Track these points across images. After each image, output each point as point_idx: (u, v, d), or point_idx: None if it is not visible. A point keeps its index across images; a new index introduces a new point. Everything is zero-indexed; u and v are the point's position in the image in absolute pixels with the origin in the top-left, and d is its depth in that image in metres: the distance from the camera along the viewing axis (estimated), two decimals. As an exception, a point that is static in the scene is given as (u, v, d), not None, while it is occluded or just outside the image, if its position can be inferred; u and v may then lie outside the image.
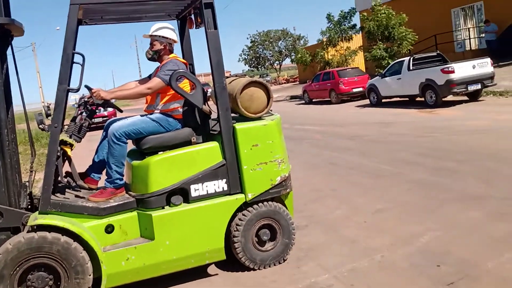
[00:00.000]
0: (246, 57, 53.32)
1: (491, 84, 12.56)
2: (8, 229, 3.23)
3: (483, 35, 20.37)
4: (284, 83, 46.45)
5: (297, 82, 39.78)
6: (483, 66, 12.49)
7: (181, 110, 3.76)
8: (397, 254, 3.71)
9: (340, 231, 4.37)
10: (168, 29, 3.88)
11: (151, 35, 3.85)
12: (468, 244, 3.74)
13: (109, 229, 3.36)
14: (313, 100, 21.21)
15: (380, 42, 20.16)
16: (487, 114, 10.18)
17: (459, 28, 22.58)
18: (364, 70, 22.65)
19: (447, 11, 22.49)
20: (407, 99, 14.81)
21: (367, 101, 16.72)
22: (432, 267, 3.41)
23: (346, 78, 18.60)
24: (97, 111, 3.86)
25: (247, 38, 53.27)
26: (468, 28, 22.29)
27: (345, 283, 3.32)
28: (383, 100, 15.68)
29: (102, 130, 3.78)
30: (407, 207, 4.83)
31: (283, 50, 52.46)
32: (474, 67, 12.38)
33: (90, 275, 3.13)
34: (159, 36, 3.83)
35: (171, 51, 3.93)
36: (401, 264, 3.53)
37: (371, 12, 20.84)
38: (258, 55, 52.93)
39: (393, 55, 19.79)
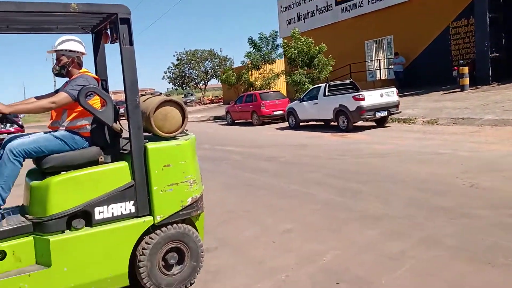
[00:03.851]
0: (171, 75, 52.82)
1: (396, 112, 13.54)
2: None
3: (392, 66, 22.02)
4: (209, 103, 46.57)
5: (222, 103, 40.04)
6: (390, 95, 13.43)
7: (89, 127, 3.59)
8: (301, 273, 3.81)
9: (249, 252, 4.40)
10: (74, 42, 3.71)
11: (56, 50, 3.67)
12: (365, 262, 3.94)
13: (0, 255, 3.08)
14: (236, 121, 21.42)
15: (303, 69, 20.98)
16: (391, 139, 10.92)
17: (371, 59, 24.21)
18: (286, 94, 23.40)
19: (361, 43, 24.10)
20: (323, 123, 15.45)
21: (286, 124, 17.21)
22: (332, 285, 3.56)
23: (268, 101, 19.03)
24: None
25: (174, 56, 52.72)
26: (379, 59, 23.99)
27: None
28: (301, 124, 16.23)
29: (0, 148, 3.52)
30: (313, 226, 4.99)
31: (209, 71, 52.74)
32: (382, 95, 13.27)
33: (-26, 307, 2.86)
34: (65, 50, 3.66)
35: (80, 65, 3.76)
36: (304, 283, 3.63)
37: (291, 39, 21.68)
38: (183, 74, 52.66)
39: (312, 80, 20.68)
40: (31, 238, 3.21)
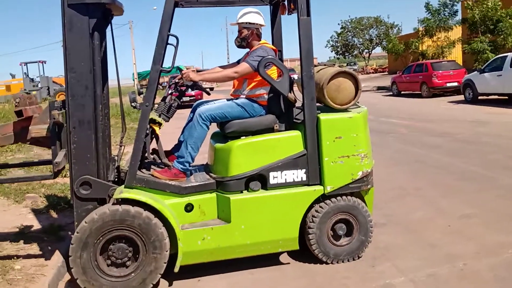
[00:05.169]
0: (334, 44, 52.17)
1: None
2: (95, 199, 3.39)
3: None
4: (372, 72, 44.98)
5: (386, 73, 38.39)
6: None
7: (266, 96, 3.76)
8: (482, 264, 3.48)
9: (421, 233, 4.17)
10: (254, 14, 3.85)
11: (238, 23, 3.86)
12: None
13: (189, 208, 3.46)
14: (402, 93, 20.38)
15: (485, 36, 18.71)
16: None
17: None
18: (461, 64, 21.26)
19: None
20: (507, 97, 13.73)
21: (461, 97, 15.76)
22: (520, 283, 3.16)
23: (440, 71, 17.59)
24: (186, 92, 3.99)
25: (338, 24, 51.75)
26: None
27: (422, 289, 3.18)
28: (480, 97, 14.68)
29: (190, 111, 3.89)
30: (497, 214, 4.50)
31: (374, 38, 50.60)
32: None
33: (167, 251, 3.24)
34: (246, 22, 3.83)
35: (259, 36, 3.91)
36: (485, 275, 3.31)
37: (474, 2, 19.39)
38: (347, 42, 51.52)
39: (496, 49, 18.34)
40: (214, 194, 3.53)
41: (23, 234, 4.35)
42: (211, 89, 33.77)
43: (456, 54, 26.22)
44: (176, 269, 3.30)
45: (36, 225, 4.61)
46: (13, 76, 30.58)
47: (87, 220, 3.17)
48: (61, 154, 3.43)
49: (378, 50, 54.48)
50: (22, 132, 3.62)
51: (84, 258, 3.15)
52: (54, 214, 4.96)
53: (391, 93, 21.21)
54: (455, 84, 16.99)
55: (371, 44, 51.00)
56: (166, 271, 3.30)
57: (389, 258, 3.70)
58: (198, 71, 3.86)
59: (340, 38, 51.38)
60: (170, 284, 3.46)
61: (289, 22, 3.79)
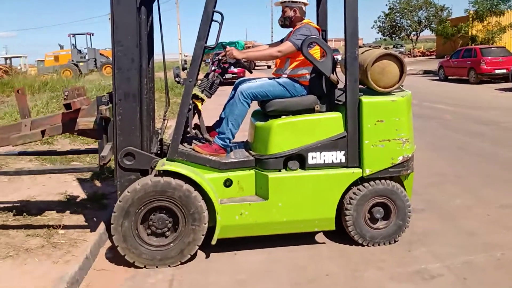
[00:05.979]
0: (381, 25, 50.62)
1: None
2: (138, 170, 3.50)
3: None
4: (419, 56, 43.50)
5: (434, 56, 37.06)
6: None
7: (308, 76, 3.73)
8: (520, 255, 3.40)
9: (459, 221, 4.10)
10: None
11: (281, 2, 3.83)
12: None
13: (228, 183, 3.52)
14: (449, 78, 19.68)
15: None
16: None
17: None
18: (511, 51, 20.31)
19: None
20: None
21: (509, 85, 15.11)
22: (560, 275, 3.08)
23: (489, 58, 16.89)
24: (229, 69, 4.01)
25: (386, 5, 49.94)
26: None
27: (458, 275, 3.15)
28: (529, 86, 14.01)
29: (232, 89, 3.93)
30: (541, 207, 4.35)
31: (423, 21, 48.74)
32: None
33: (205, 224, 3.34)
34: (289, 1, 3.79)
35: (303, 15, 3.87)
36: (523, 266, 3.24)
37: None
38: (394, 23, 49.87)
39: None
40: (252, 171, 3.59)
41: (68, 201, 4.57)
42: (268, 67, 33.83)
43: (506, 40, 25.01)
44: (214, 242, 3.39)
45: (80, 193, 4.82)
46: (61, 47, 31.42)
47: (129, 190, 3.29)
48: (107, 147, 3.54)
49: (426, 33, 52.43)
50: (70, 123, 3.78)
51: (125, 226, 3.28)
52: (98, 183, 5.17)
53: (438, 77, 20.54)
54: (504, 71, 16.30)
55: (420, 26, 49.13)
56: (204, 243, 3.40)
57: (426, 243, 3.67)
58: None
59: (387, 19, 49.71)
60: (207, 256, 3.56)
61: (335, 1, 3.70)
